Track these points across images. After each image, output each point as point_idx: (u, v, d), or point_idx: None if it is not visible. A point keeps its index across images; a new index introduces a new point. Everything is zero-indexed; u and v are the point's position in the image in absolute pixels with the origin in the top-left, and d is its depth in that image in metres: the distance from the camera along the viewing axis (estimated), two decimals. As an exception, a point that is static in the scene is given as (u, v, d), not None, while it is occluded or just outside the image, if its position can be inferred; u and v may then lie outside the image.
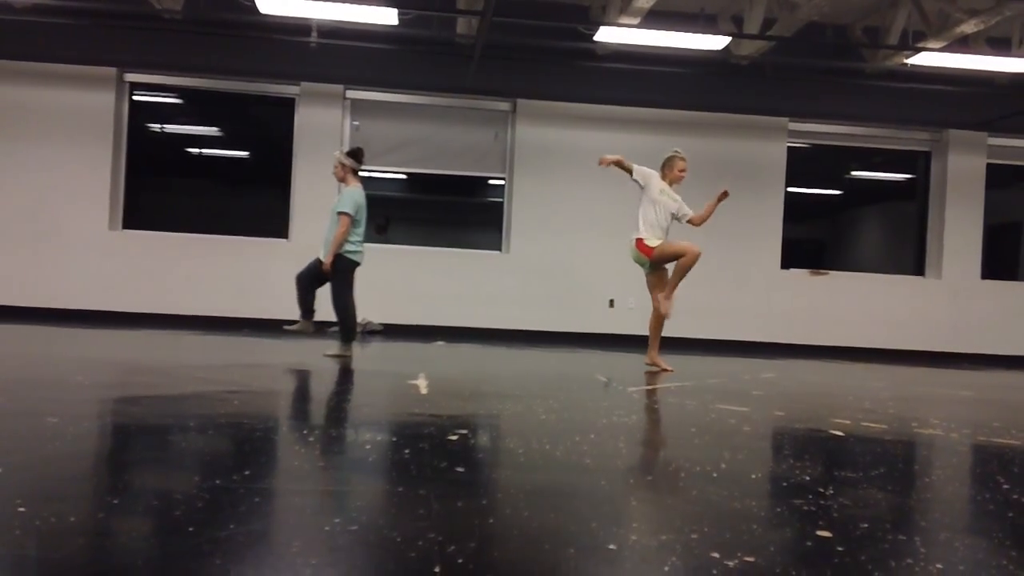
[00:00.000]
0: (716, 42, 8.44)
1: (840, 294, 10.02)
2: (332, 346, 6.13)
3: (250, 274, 9.19)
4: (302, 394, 4.79)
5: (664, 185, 6.29)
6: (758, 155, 9.92)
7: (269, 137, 10.12)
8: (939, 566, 1.91)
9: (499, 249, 9.81)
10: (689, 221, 6.40)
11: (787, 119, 9.98)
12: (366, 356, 6.73)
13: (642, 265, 6.39)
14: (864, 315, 9.99)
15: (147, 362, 5.60)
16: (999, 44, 9.15)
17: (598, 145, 9.59)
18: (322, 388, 4.90)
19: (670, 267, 6.34)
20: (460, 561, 1.76)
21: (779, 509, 2.41)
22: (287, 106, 9.52)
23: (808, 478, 2.77)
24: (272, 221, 9.46)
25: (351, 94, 9.56)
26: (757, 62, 9.38)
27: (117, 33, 8.98)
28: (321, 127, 9.37)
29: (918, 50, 8.59)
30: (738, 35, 8.74)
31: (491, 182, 9.98)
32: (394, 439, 3.21)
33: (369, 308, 8.40)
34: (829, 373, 7.32)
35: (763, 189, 9.91)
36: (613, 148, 9.51)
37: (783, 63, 9.47)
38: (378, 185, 9.57)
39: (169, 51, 9.15)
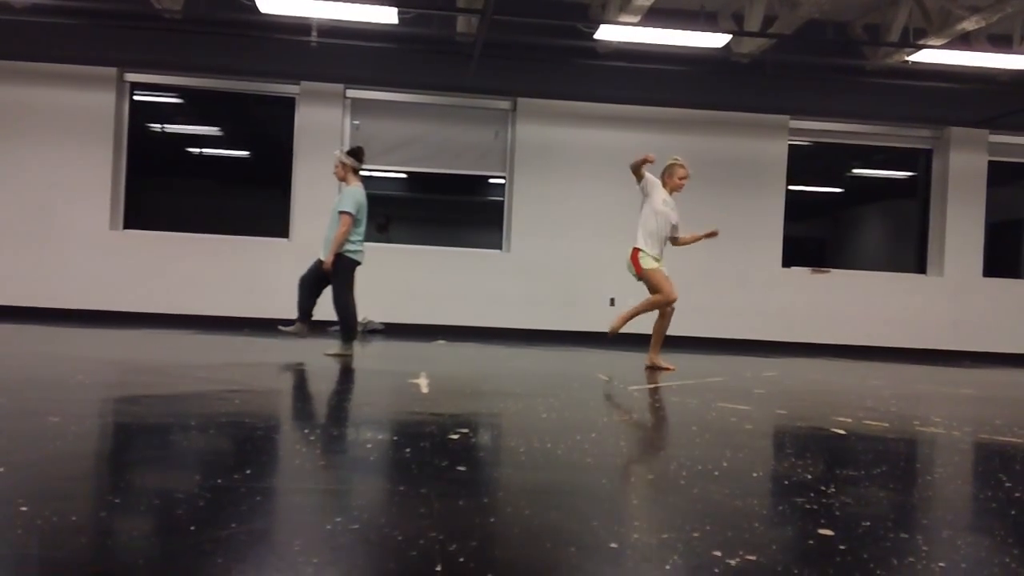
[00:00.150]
0: (716, 40, 8.43)
1: (841, 292, 10.02)
2: (333, 345, 6.13)
3: (250, 274, 9.19)
4: (303, 393, 4.79)
5: (667, 195, 6.29)
6: (759, 153, 9.91)
7: (269, 136, 10.12)
8: (941, 564, 1.91)
9: (499, 248, 9.80)
10: (673, 239, 6.41)
11: (788, 117, 9.97)
12: (367, 355, 6.73)
13: (631, 274, 6.38)
14: (865, 313, 9.98)
15: (148, 361, 5.60)
16: (1000, 41, 9.14)
17: (598, 143, 9.64)
18: (323, 387, 4.90)
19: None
20: (461, 560, 1.76)
21: (781, 507, 2.40)
22: (287, 105, 9.52)
23: (810, 476, 2.77)
24: (272, 221, 9.46)
25: (351, 93, 9.55)
26: (758, 60, 9.37)
27: (117, 33, 8.99)
28: (321, 126, 9.37)
29: (919, 47, 8.58)
30: (738, 33, 8.74)
31: (491, 181, 9.97)
32: (395, 438, 3.21)
33: (370, 307, 8.41)
34: (830, 371, 7.31)
35: (764, 187, 9.91)
36: (613, 147, 9.59)
37: (784, 61, 9.46)
38: (378, 184, 9.57)
39: (169, 51, 9.15)
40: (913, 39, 9.03)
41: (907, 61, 9.02)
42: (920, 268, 10.46)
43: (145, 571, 1.66)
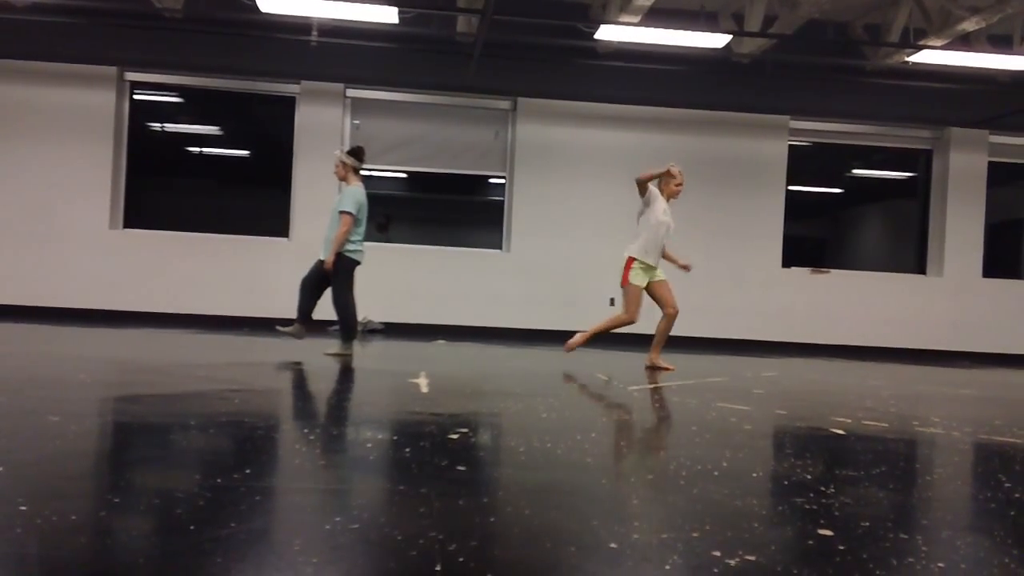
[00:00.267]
0: (717, 40, 8.43)
1: (841, 292, 10.02)
2: (333, 345, 6.13)
3: (250, 273, 9.19)
4: (303, 393, 4.79)
5: (666, 205, 6.29)
6: (759, 153, 9.91)
7: (269, 136, 10.12)
8: (940, 564, 1.91)
9: (500, 248, 9.81)
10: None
11: (788, 117, 9.97)
12: (367, 355, 6.73)
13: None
14: (865, 313, 9.98)
15: (148, 361, 5.61)
16: (1000, 42, 9.14)
17: (599, 143, 9.65)
18: (323, 387, 4.90)
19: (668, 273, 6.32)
20: (461, 559, 1.76)
21: (780, 507, 2.41)
22: (287, 105, 9.51)
23: (809, 476, 2.77)
24: (272, 220, 9.46)
25: (352, 93, 9.55)
26: (758, 60, 9.37)
27: (118, 32, 8.98)
28: (322, 126, 9.37)
29: (919, 48, 8.58)
30: (739, 33, 8.73)
31: (492, 181, 9.97)
32: (395, 438, 3.21)
33: (370, 307, 8.41)
34: (830, 371, 7.32)
35: (764, 187, 9.91)
36: (614, 147, 9.60)
37: (784, 61, 9.46)
38: (379, 184, 9.57)
39: (170, 50, 9.15)
40: (913, 39, 9.03)
41: (907, 61, 9.02)
42: (920, 268, 10.46)
43: (145, 570, 1.66)
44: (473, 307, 9.47)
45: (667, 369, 6.28)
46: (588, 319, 9.49)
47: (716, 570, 1.76)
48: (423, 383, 4.85)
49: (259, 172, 10.18)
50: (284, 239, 9.38)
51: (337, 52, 9.11)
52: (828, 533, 2.09)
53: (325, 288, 6.09)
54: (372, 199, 6.37)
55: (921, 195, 10.59)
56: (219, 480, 2.36)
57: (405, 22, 8.58)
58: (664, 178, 6.32)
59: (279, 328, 6.29)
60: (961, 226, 10.15)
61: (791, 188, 10.04)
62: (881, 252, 11.37)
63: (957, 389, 6.35)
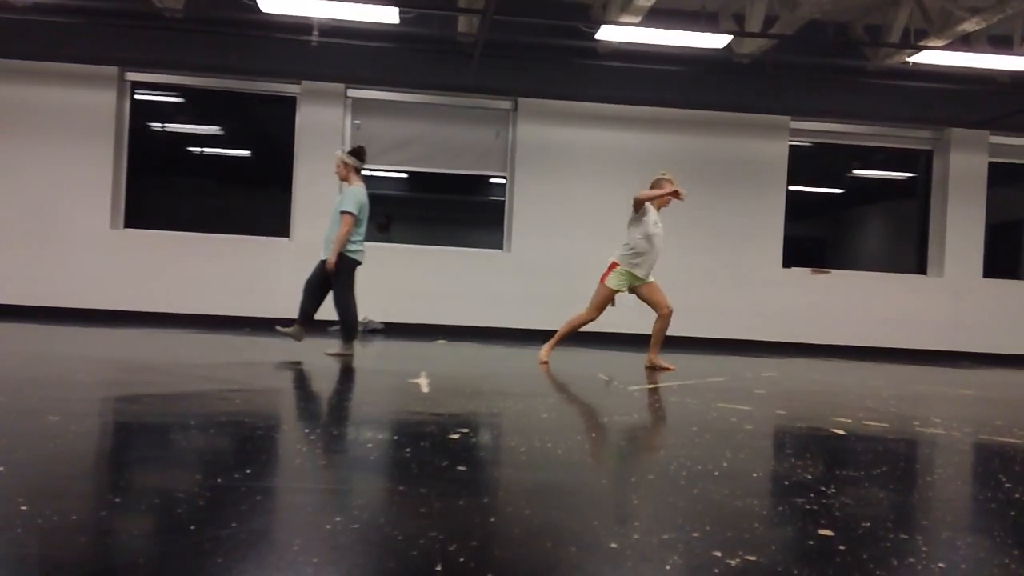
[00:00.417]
0: (717, 40, 8.43)
1: (841, 293, 10.01)
2: (333, 345, 6.13)
3: (251, 273, 9.19)
4: (303, 393, 4.79)
5: (656, 216, 6.29)
6: (759, 153, 9.91)
7: (270, 136, 10.12)
8: (941, 565, 1.91)
9: (500, 248, 9.80)
10: None
11: (788, 117, 9.96)
12: (367, 355, 6.73)
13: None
14: (865, 314, 9.98)
15: (148, 360, 5.61)
16: (1001, 42, 9.14)
17: (599, 143, 9.64)
18: (323, 387, 4.90)
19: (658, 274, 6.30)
20: (462, 560, 1.76)
21: (781, 508, 2.40)
22: (288, 105, 9.51)
23: (810, 477, 2.77)
24: (273, 220, 9.46)
25: (352, 93, 9.55)
26: (758, 60, 9.37)
27: (118, 32, 8.98)
28: (322, 126, 9.37)
29: (920, 48, 8.57)
30: (739, 33, 8.73)
31: (492, 181, 9.97)
32: (395, 438, 3.21)
33: (370, 307, 8.40)
34: (830, 372, 7.31)
35: (764, 187, 9.90)
36: (614, 147, 9.59)
37: (784, 61, 9.45)
38: (379, 184, 9.56)
39: (170, 50, 9.15)
40: (914, 40, 9.02)
41: (908, 62, 9.02)
42: (920, 269, 10.46)
43: (145, 570, 1.66)
44: (473, 307, 9.47)
45: (667, 369, 6.28)
46: (588, 319, 9.53)
47: (716, 570, 1.76)
48: (423, 383, 4.85)
49: (260, 172, 10.18)
50: (285, 239, 9.38)
51: (338, 52, 9.11)
52: (829, 533, 2.09)
53: (329, 289, 6.09)
54: (373, 199, 6.37)
55: (921, 195, 10.58)
56: (219, 480, 2.36)
57: (406, 22, 8.58)
58: (654, 186, 6.29)
59: (279, 328, 6.29)
60: (961, 226, 10.14)
61: (792, 188, 10.04)
62: (881, 252, 11.37)
63: (957, 389, 6.35)
